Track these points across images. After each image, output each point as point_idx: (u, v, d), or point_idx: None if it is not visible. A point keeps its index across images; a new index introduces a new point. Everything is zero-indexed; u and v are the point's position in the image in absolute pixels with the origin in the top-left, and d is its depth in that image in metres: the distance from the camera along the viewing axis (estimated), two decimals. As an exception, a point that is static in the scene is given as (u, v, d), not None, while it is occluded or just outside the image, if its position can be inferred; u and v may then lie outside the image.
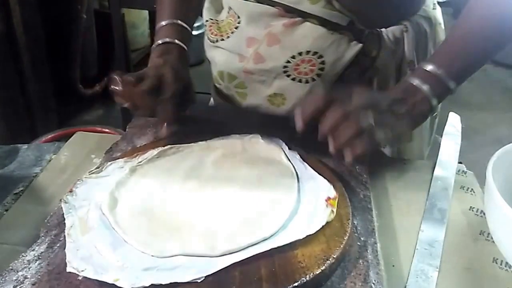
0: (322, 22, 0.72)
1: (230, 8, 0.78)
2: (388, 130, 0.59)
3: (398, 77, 0.79)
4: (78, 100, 2.49)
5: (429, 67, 0.63)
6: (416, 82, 0.63)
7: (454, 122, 0.84)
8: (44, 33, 2.08)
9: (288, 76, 0.75)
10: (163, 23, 0.76)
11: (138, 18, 2.86)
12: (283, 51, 0.74)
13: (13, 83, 2.01)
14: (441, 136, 0.80)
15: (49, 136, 1.61)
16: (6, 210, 0.61)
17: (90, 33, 2.43)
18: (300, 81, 0.76)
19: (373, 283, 0.50)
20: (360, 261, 0.52)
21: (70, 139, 0.77)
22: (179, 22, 0.77)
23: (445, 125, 0.81)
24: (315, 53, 0.73)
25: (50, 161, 0.72)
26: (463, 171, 0.74)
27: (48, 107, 2.19)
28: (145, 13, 2.80)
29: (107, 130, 1.59)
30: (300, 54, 0.73)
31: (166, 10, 0.78)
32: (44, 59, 2.11)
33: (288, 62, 0.74)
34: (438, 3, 0.84)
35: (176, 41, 0.74)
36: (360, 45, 0.73)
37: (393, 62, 0.77)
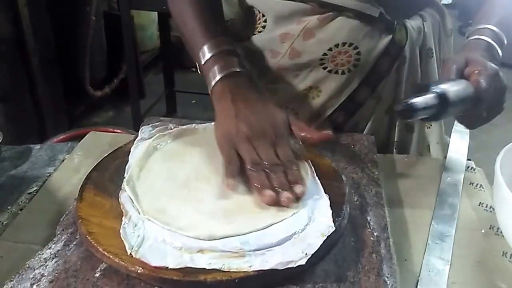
0: (356, 14, 0.75)
1: (252, 7, 0.79)
2: None
3: (421, 64, 0.81)
4: (87, 102, 2.52)
5: (487, 27, 0.70)
6: (486, 39, 0.69)
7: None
8: (53, 35, 2.10)
9: (325, 68, 0.77)
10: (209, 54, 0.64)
11: (147, 20, 2.87)
12: (320, 44, 0.76)
13: (23, 85, 2.03)
14: (449, 136, 0.82)
15: (60, 137, 1.63)
16: (21, 210, 0.62)
17: (99, 35, 2.45)
18: (336, 72, 0.77)
19: (387, 277, 0.50)
20: (374, 255, 0.53)
21: (83, 139, 0.78)
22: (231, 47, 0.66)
23: (453, 124, 0.82)
24: (351, 44, 0.75)
25: (63, 161, 0.72)
26: (472, 167, 0.75)
27: (57, 108, 2.21)
28: (154, 15, 2.82)
29: (119, 130, 1.60)
30: (336, 46, 0.76)
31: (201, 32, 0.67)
32: (54, 61, 2.13)
33: (325, 54, 0.76)
34: (444, 5, 0.87)
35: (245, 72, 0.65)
36: (390, 35, 0.76)
37: (417, 50, 0.80)
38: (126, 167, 0.62)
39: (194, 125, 0.72)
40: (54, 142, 1.51)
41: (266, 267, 0.48)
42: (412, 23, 0.78)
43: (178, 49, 3.09)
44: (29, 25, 1.92)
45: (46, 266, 0.50)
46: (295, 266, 0.48)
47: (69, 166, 0.71)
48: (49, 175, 0.69)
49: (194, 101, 2.77)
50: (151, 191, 0.58)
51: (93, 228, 0.53)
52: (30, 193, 0.65)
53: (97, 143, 0.76)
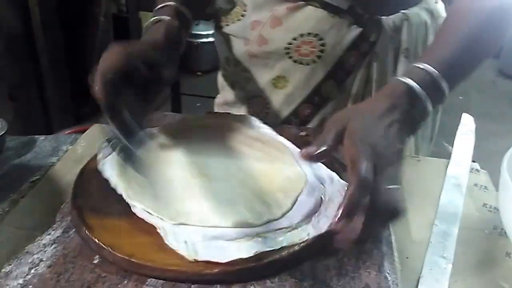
0: (324, 5, 0.74)
1: None
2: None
3: (395, 63, 0.80)
4: (94, 103, 2.52)
5: (420, 67, 0.56)
6: (407, 82, 0.54)
7: (467, 122, 0.84)
8: (62, 35, 2.13)
9: (290, 57, 0.78)
10: (159, 6, 0.72)
11: (155, 23, 2.89)
12: (285, 33, 0.76)
13: (31, 83, 2.05)
14: (451, 144, 0.80)
15: (66, 132, 1.63)
16: (22, 197, 0.62)
17: (107, 37, 2.47)
18: (301, 62, 0.77)
19: (388, 273, 0.50)
20: (375, 251, 0.53)
21: (87, 130, 0.78)
22: (177, 4, 0.71)
23: (457, 127, 0.82)
24: (316, 35, 0.75)
25: (66, 151, 0.73)
26: (476, 169, 0.74)
27: (65, 107, 2.23)
28: (162, 18, 2.84)
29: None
30: (301, 35, 0.76)
31: None
32: (62, 61, 2.15)
33: (290, 43, 0.76)
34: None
35: (167, 18, 0.68)
36: (360, 29, 0.75)
37: (392, 49, 0.78)
38: (112, 186, 0.57)
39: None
40: (59, 138, 1.51)
41: (322, 229, 0.50)
42: (390, 20, 0.76)
43: (184, 53, 3.10)
44: (39, 24, 1.95)
45: (45, 252, 0.50)
46: None
47: (72, 157, 0.70)
48: (52, 165, 0.69)
49: (198, 104, 2.78)
50: (162, 199, 0.56)
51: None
52: (32, 181, 0.65)
53: (100, 135, 0.76)
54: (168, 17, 0.69)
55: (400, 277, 0.52)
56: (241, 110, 0.88)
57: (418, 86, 0.53)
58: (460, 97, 2.84)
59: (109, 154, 0.62)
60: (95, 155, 0.63)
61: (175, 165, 0.62)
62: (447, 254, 0.56)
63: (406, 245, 0.57)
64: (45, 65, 2.04)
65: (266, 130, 0.70)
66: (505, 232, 0.59)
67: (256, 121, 0.71)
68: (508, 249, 0.57)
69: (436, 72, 0.55)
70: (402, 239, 0.58)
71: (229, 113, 0.81)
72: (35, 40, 1.98)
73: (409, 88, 0.53)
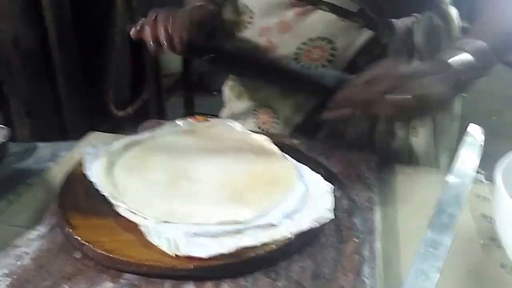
0: (333, 9, 0.73)
1: (245, 6, 0.81)
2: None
3: None
4: (110, 121, 2.57)
5: (475, 42, 0.64)
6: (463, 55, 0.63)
7: (474, 132, 0.82)
8: (78, 52, 2.17)
9: (299, 63, 0.77)
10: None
11: (172, 43, 2.95)
12: (294, 38, 0.75)
13: (49, 99, 2.09)
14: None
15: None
16: (19, 198, 0.64)
17: (124, 56, 2.52)
18: (309, 67, 0.76)
19: (366, 277, 0.49)
20: (356, 256, 0.52)
21: (84, 137, 0.80)
22: None
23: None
24: (325, 39, 0.74)
25: (64, 157, 0.74)
26: (480, 180, 0.72)
27: (81, 123, 2.27)
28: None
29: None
30: (311, 40, 0.75)
31: None
32: (79, 77, 2.19)
33: (299, 48, 0.75)
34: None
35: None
36: (371, 32, 0.74)
37: (404, 52, 0.77)
38: (98, 188, 0.58)
39: (134, 136, 0.72)
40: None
41: (304, 227, 0.51)
42: (401, 23, 0.75)
43: (200, 73, 3.15)
44: (56, 41, 1.98)
45: (31, 246, 0.52)
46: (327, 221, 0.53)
47: (68, 161, 0.72)
48: (49, 169, 0.71)
49: (214, 124, 2.81)
50: (145, 200, 0.56)
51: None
52: (29, 184, 0.67)
53: (97, 141, 0.78)
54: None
55: (384, 284, 0.51)
56: (247, 122, 0.87)
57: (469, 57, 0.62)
58: (494, 118, 2.73)
59: (94, 159, 0.63)
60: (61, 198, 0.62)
61: (159, 168, 0.63)
62: (436, 263, 0.55)
63: (393, 253, 0.57)
64: (61, 82, 2.07)
65: (249, 133, 0.72)
66: (502, 244, 0.57)
67: (238, 125, 0.73)
68: (503, 260, 0.56)
69: (488, 47, 0.64)
70: (390, 248, 0.57)
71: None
72: (51, 57, 2.02)
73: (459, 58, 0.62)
